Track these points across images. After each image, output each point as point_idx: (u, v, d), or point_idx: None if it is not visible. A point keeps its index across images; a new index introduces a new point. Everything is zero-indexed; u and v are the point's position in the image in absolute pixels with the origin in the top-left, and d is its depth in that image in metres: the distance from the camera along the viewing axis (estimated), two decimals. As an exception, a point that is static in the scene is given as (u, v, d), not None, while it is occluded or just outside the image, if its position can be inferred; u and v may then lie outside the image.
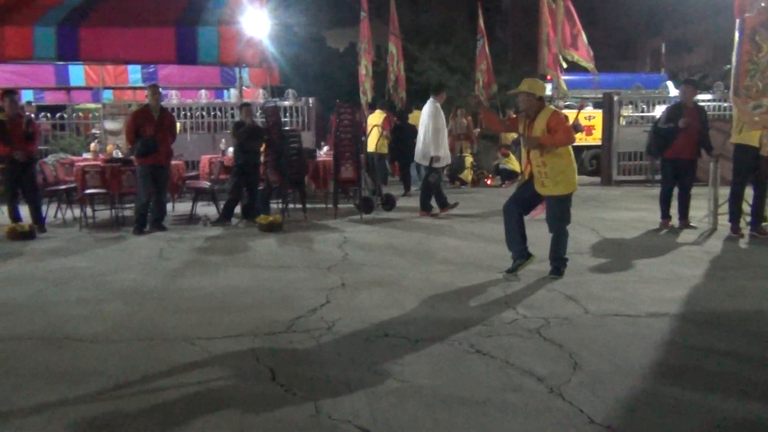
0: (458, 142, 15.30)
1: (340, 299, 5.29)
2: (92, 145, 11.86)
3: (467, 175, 14.57)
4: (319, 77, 23.85)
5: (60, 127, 14.07)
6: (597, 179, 15.13)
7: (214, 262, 6.82)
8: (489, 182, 14.74)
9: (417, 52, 17.95)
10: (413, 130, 10.81)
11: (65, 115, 14.28)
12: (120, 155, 10.60)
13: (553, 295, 5.36)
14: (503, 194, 7.73)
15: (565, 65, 12.36)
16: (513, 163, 14.14)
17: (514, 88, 6.25)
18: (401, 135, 12.83)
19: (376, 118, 12.42)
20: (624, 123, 14.90)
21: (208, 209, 10.26)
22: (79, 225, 8.99)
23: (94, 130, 14.12)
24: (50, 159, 10.67)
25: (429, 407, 3.29)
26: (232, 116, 13.34)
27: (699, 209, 8.84)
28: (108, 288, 5.73)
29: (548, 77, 12.47)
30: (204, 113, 13.85)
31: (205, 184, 10.40)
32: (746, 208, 8.04)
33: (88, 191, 9.07)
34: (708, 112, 10.93)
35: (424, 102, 10.08)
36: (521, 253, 5.94)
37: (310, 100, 14.27)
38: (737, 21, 7.69)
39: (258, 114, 12.13)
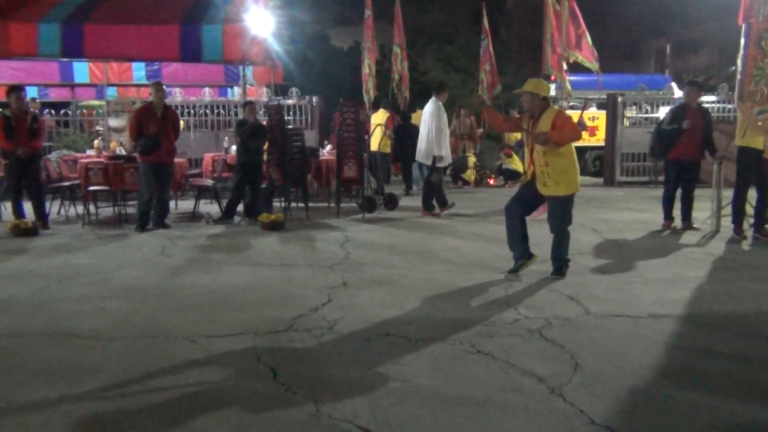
0: (461, 142, 15.31)
1: (342, 298, 5.29)
2: (96, 142, 11.87)
3: (470, 175, 14.57)
4: (322, 76, 23.87)
5: (64, 124, 14.11)
6: (600, 180, 15.12)
7: (216, 260, 6.83)
8: (492, 182, 14.73)
9: (417, 56, 17.96)
10: (415, 130, 10.80)
11: (69, 112, 14.30)
12: (123, 152, 10.61)
13: (555, 296, 5.36)
14: (506, 194, 7.73)
15: (565, 66, 12.34)
16: (516, 164, 14.14)
17: (518, 88, 6.25)
18: (403, 135, 12.83)
19: (379, 117, 12.42)
20: (627, 124, 14.89)
21: (210, 207, 10.28)
22: (81, 222, 9.00)
23: (97, 127, 14.14)
24: (54, 156, 10.68)
25: (429, 407, 3.29)
26: (236, 114, 13.36)
27: (702, 211, 8.83)
28: (110, 285, 5.74)
29: (552, 77, 12.45)
30: (207, 111, 13.87)
31: (208, 182, 10.41)
32: (749, 210, 8.03)
33: (91, 188, 9.08)
34: (712, 114, 10.91)
35: (427, 101, 10.07)
36: (523, 254, 5.93)
37: (314, 99, 14.28)
38: (743, 26, 7.67)
39: (261, 112, 12.14)
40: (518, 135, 13.62)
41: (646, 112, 14.89)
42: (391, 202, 10.45)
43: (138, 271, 6.27)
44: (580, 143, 12.14)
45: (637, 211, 10.26)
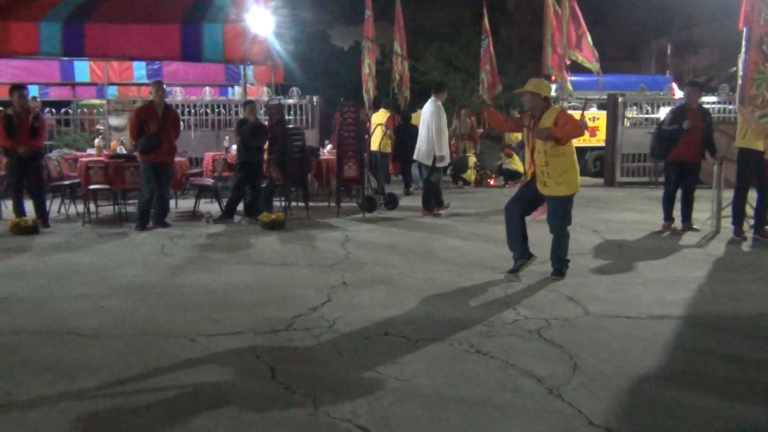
0: (462, 142, 15.30)
1: (341, 298, 5.29)
2: (96, 141, 11.89)
3: (470, 175, 14.58)
4: (323, 75, 23.87)
5: (64, 123, 14.12)
6: (600, 180, 15.12)
7: (215, 259, 6.83)
8: (492, 182, 14.74)
9: (416, 58, 17.93)
10: (415, 130, 10.81)
11: (70, 111, 14.32)
12: (124, 151, 10.62)
13: (554, 296, 5.36)
14: (506, 194, 7.73)
15: (567, 61, 12.35)
16: (516, 164, 14.14)
17: (519, 88, 6.25)
18: (403, 135, 12.83)
19: (380, 117, 12.43)
20: (628, 124, 14.89)
21: (210, 206, 10.28)
22: (82, 220, 9.01)
23: (98, 126, 14.15)
24: (54, 154, 10.70)
25: (428, 407, 3.30)
26: (236, 113, 13.37)
27: (702, 212, 8.83)
28: (110, 284, 5.74)
29: (552, 78, 12.46)
30: (208, 110, 13.88)
31: (209, 181, 10.42)
32: (749, 211, 8.03)
33: (92, 187, 9.09)
34: (713, 115, 10.91)
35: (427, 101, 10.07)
36: (522, 254, 5.94)
37: (315, 98, 14.28)
38: (744, 30, 7.68)
39: (262, 111, 12.14)
40: (519, 135, 13.63)
41: (647, 113, 14.90)
42: (392, 202, 10.45)
43: (138, 270, 6.27)
44: (580, 144, 12.18)
45: (637, 212, 10.27)
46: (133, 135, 8.84)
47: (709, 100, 14.04)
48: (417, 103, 15.48)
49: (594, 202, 11.31)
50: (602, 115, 15.45)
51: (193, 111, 13.78)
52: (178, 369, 3.79)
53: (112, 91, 14.69)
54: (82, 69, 13.27)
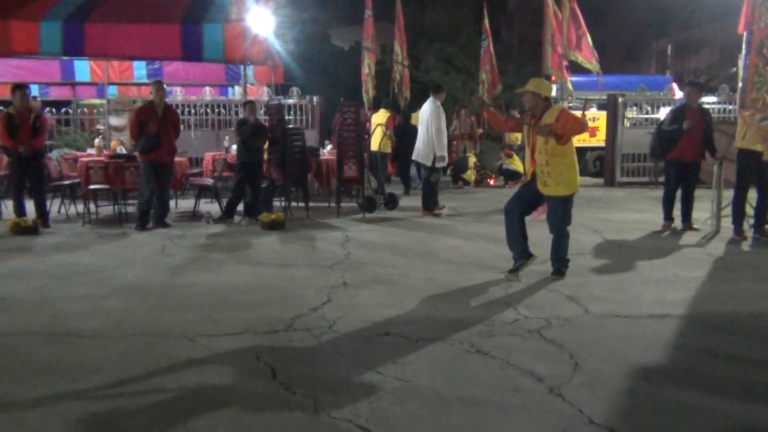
0: (462, 142, 15.31)
1: (342, 298, 5.29)
2: (96, 141, 11.89)
3: (470, 175, 14.57)
4: (323, 75, 23.86)
5: (65, 123, 14.12)
6: (600, 180, 15.12)
7: (216, 259, 6.83)
8: (492, 182, 14.74)
9: (416, 59, 17.90)
10: (415, 130, 10.81)
11: (70, 111, 14.32)
12: (124, 151, 10.62)
13: (554, 296, 5.36)
14: (506, 194, 7.73)
15: (566, 62, 12.36)
16: (516, 164, 14.14)
17: (519, 88, 6.25)
18: (403, 135, 12.83)
19: (380, 117, 12.43)
20: (628, 125, 14.89)
21: (211, 206, 10.28)
22: (82, 221, 9.01)
23: (98, 126, 14.15)
24: (54, 154, 10.69)
25: (429, 407, 3.30)
26: (236, 113, 13.37)
27: (702, 211, 8.83)
28: (110, 284, 5.74)
29: (552, 78, 12.47)
30: (208, 110, 13.88)
31: (209, 181, 10.42)
32: (749, 210, 8.03)
33: (92, 187, 9.08)
34: (713, 115, 10.91)
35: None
36: (522, 254, 5.93)
37: (315, 99, 14.29)
38: (744, 33, 7.68)
39: (262, 111, 12.14)
40: (519, 136, 13.63)
41: (647, 113, 14.90)
42: (392, 202, 10.45)
43: (138, 270, 6.27)
44: (580, 143, 12.18)
45: (637, 212, 10.27)
46: (134, 135, 8.84)
47: (709, 101, 14.04)
48: (417, 103, 15.50)
49: (594, 202, 11.31)
50: (602, 115, 15.45)
51: (193, 111, 13.78)
52: (179, 369, 3.79)
53: (113, 91, 14.69)
54: (83, 69, 13.28)
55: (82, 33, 9.06)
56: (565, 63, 12.36)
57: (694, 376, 3.73)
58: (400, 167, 13.85)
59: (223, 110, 13.92)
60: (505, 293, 5.44)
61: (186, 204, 10.54)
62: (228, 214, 9.26)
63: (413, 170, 13.09)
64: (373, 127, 11.93)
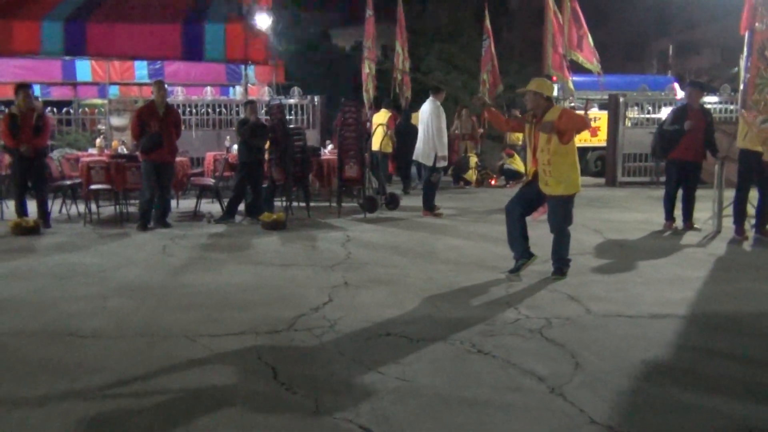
0: (463, 142, 15.31)
1: (343, 298, 5.29)
2: (98, 141, 11.89)
3: (471, 175, 14.58)
4: (325, 75, 23.86)
5: (66, 123, 14.13)
6: (601, 180, 15.12)
7: (217, 259, 6.83)
8: (493, 182, 14.73)
9: (418, 58, 17.84)
10: (416, 130, 10.82)
11: (71, 111, 14.33)
12: (125, 151, 10.62)
13: (556, 296, 5.36)
14: (507, 194, 7.72)
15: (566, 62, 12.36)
16: (517, 164, 14.14)
17: (520, 88, 6.25)
18: (403, 135, 12.84)
19: (381, 117, 12.43)
20: (629, 124, 14.89)
21: (212, 206, 10.28)
22: (83, 221, 9.01)
23: (99, 126, 14.16)
24: (56, 154, 10.70)
25: (430, 406, 3.29)
26: (238, 113, 13.37)
27: (703, 211, 8.83)
28: (111, 284, 5.74)
29: (553, 78, 12.45)
30: (209, 110, 13.88)
31: (210, 181, 10.42)
32: (751, 210, 8.03)
33: (93, 187, 9.09)
34: (714, 115, 10.90)
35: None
36: (523, 253, 5.93)
37: (316, 99, 14.29)
38: (746, 34, 7.68)
39: (263, 111, 12.14)
40: (520, 136, 13.62)
41: (648, 113, 14.89)
42: (393, 202, 10.45)
43: (139, 270, 6.27)
44: (581, 143, 12.16)
45: (638, 212, 10.26)
46: (135, 135, 8.84)
47: (710, 101, 14.03)
48: (418, 103, 15.50)
49: (595, 202, 11.31)
50: (603, 115, 15.44)
51: (194, 111, 13.79)
52: (180, 369, 3.79)
53: (114, 91, 14.70)
54: (84, 68, 13.29)
55: (84, 33, 9.06)
56: (575, 60, 12.35)
57: (695, 376, 3.73)
58: (399, 166, 13.87)
59: (224, 110, 13.93)
60: (506, 293, 5.44)
61: (187, 204, 10.55)
62: (229, 213, 9.27)
63: (413, 170, 13.11)
64: (374, 127, 11.93)
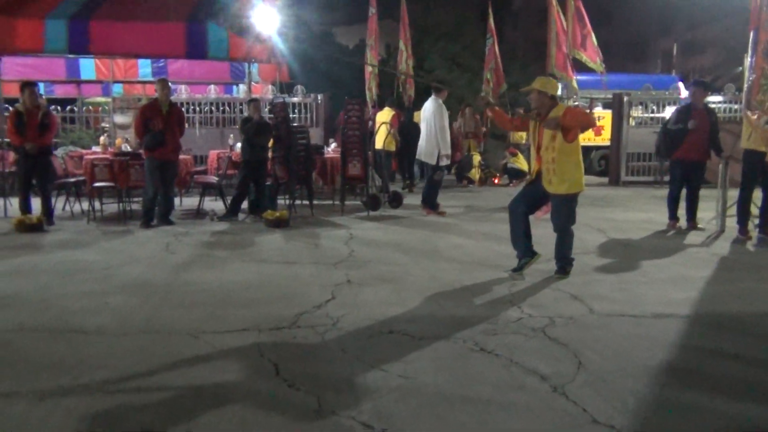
0: (466, 140, 15.30)
1: (346, 295, 5.29)
2: (101, 139, 11.91)
3: (475, 173, 14.57)
4: (328, 74, 23.85)
5: (70, 121, 14.15)
6: (605, 180, 15.10)
7: (220, 256, 6.84)
8: (496, 181, 14.72)
9: (418, 60, 17.78)
10: (418, 129, 10.82)
11: (75, 109, 14.35)
12: (129, 149, 10.64)
13: (559, 295, 5.35)
14: (510, 193, 7.72)
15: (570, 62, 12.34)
16: (521, 163, 14.13)
17: (524, 87, 6.24)
18: (406, 133, 12.83)
19: (384, 116, 12.43)
20: (633, 124, 14.86)
21: (215, 204, 10.29)
22: (86, 218, 9.03)
23: (103, 124, 14.19)
24: (60, 152, 10.72)
25: (432, 404, 3.29)
26: (241, 112, 13.39)
27: (707, 211, 8.81)
28: (114, 281, 5.76)
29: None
30: (213, 108, 13.90)
31: (213, 179, 10.43)
32: (755, 210, 8.01)
33: (97, 184, 9.11)
34: (718, 114, 10.88)
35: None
36: (526, 252, 5.93)
37: (319, 97, 14.29)
38: (751, 34, 7.66)
39: (266, 110, 12.15)
40: (524, 135, 13.62)
41: (652, 112, 14.87)
42: (396, 200, 10.45)
43: (142, 268, 6.28)
44: (585, 143, 12.14)
45: (641, 211, 10.24)
46: (138, 133, 8.86)
47: (714, 100, 14.00)
48: (421, 101, 15.49)
49: (599, 201, 11.29)
50: (607, 114, 15.42)
51: (197, 109, 13.81)
52: (182, 366, 3.80)
53: (118, 89, 14.72)
54: (88, 67, 13.31)
55: (88, 31, 9.08)
56: (579, 59, 12.33)
57: (698, 376, 3.72)
58: (401, 164, 13.88)
59: (227, 108, 13.94)
60: (509, 292, 5.44)
61: (190, 202, 10.56)
62: (232, 211, 9.28)
63: (416, 169, 13.09)
64: (377, 126, 11.94)
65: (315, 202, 10.12)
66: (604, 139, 15.76)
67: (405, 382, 3.55)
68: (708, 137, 8.35)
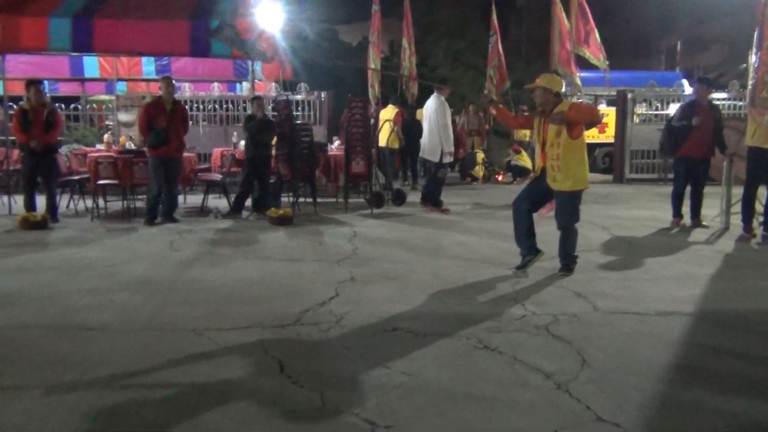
0: (470, 138, 15.28)
1: (349, 293, 5.30)
2: (105, 137, 11.94)
3: (478, 171, 14.56)
4: (331, 72, 23.85)
5: (74, 119, 14.18)
6: (609, 177, 15.07)
7: (224, 254, 6.85)
8: (500, 179, 14.71)
9: (427, 53, 17.81)
10: (420, 126, 10.82)
11: (79, 107, 14.38)
12: (133, 147, 10.65)
13: (562, 292, 5.35)
14: (513, 191, 7.72)
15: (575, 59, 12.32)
16: (524, 160, 14.12)
17: (527, 84, 6.23)
18: (409, 130, 12.83)
19: (388, 113, 12.42)
20: (637, 121, 14.83)
21: (219, 202, 10.30)
22: (91, 216, 9.05)
23: (107, 122, 14.21)
24: (64, 150, 10.74)
25: (435, 401, 3.30)
26: (245, 109, 13.39)
27: (711, 208, 8.79)
28: (118, 278, 5.77)
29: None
30: (216, 106, 13.91)
31: (217, 176, 10.45)
32: (759, 208, 7.99)
33: (101, 182, 9.13)
34: (723, 111, 10.85)
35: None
36: (530, 250, 5.92)
37: (323, 94, 14.29)
38: (756, 31, 7.63)
39: (270, 107, 12.15)
40: (528, 132, 13.59)
41: (656, 109, 14.83)
42: (399, 198, 10.45)
43: (146, 265, 6.30)
44: (589, 140, 12.11)
45: (645, 209, 10.23)
46: (142, 131, 8.87)
47: (719, 97, 13.96)
48: (425, 98, 15.47)
49: (603, 199, 11.27)
50: (611, 111, 15.39)
51: (201, 106, 13.83)
52: (186, 363, 3.80)
53: (121, 87, 14.74)
54: (92, 65, 13.32)
55: (91, 29, 9.08)
56: (582, 56, 12.30)
57: (701, 374, 3.72)
58: (404, 161, 13.88)
59: (231, 106, 13.96)
60: (513, 289, 5.43)
61: (194, 199, 10.57)
62: (236, 209, 9.29)
63: (418, 166, 13.09)
64: (381, 123, 11.94)
65: (318, 199, 10.11)
66: (608, 136, 15.74)
67: (408, 380, 3.55)
68: (712, 134, 8.33)
